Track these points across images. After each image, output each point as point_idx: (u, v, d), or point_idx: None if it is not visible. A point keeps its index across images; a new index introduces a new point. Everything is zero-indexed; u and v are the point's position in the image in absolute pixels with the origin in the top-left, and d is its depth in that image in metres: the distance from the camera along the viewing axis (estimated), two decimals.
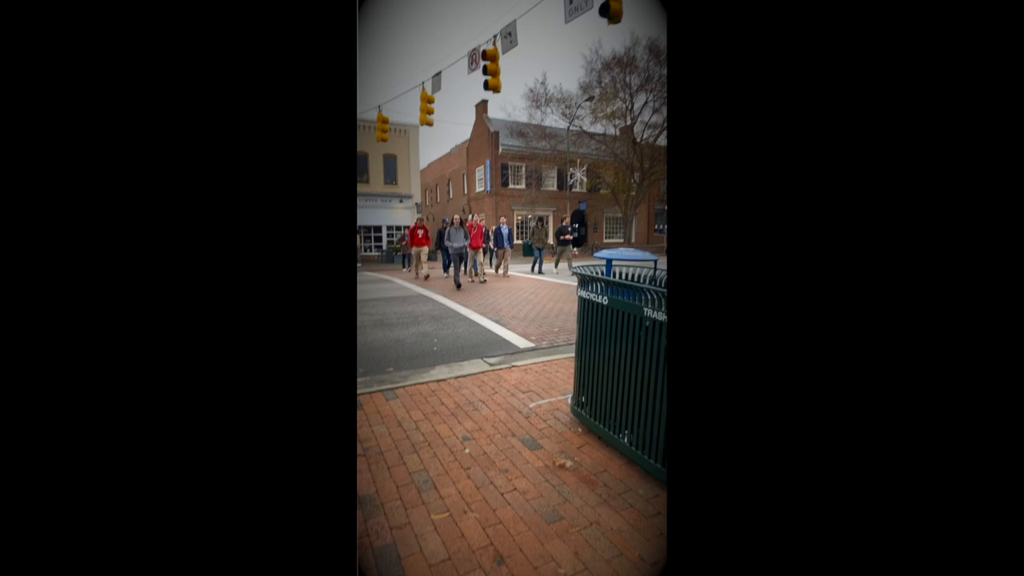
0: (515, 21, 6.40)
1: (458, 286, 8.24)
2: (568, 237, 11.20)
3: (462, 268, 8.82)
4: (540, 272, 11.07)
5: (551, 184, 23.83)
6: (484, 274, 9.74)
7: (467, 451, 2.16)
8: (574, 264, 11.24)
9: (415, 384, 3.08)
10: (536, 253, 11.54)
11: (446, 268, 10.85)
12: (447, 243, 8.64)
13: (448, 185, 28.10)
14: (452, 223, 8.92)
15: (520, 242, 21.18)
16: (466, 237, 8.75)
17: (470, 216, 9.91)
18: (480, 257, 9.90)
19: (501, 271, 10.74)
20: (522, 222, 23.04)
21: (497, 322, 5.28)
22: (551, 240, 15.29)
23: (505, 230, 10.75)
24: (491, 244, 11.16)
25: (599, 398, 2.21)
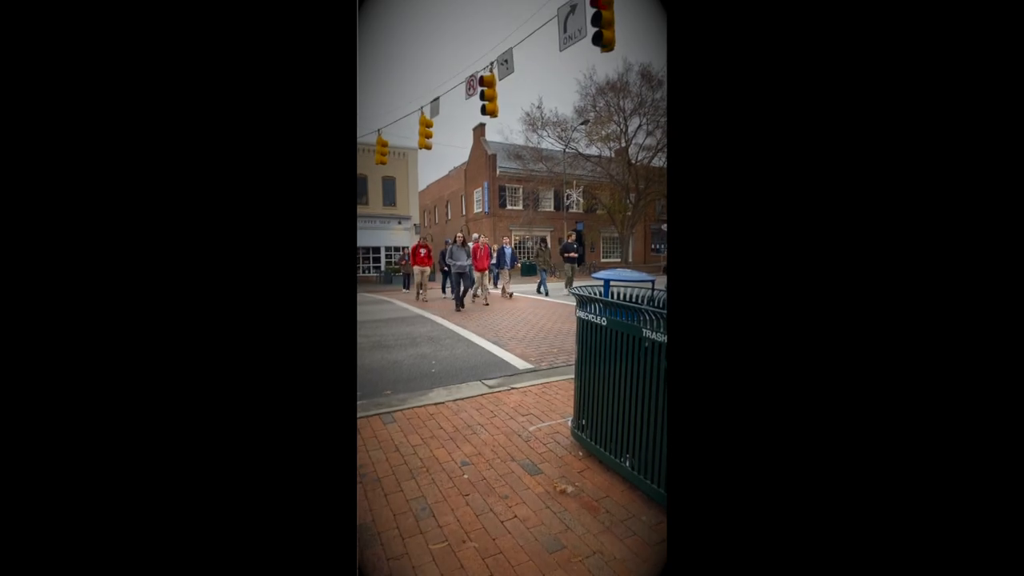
0: (511, 49, 6.57)
1: (459, 306, 7.96)
2: (574, 255, 10.84)
3: (464, 288, 8.37)
4: (545, 293, 10.71)
5: (548, 205, 24.07)
6: (487, 296, 9.30)
7: (466, 476, 2.11)
8: (573, 284, 11.00)
9: (413, 407, 3.03)
10: (541, 274, 11.21)
11: (444, 288, 10.49)
12: (449, 261, 8.29)
13: (447, 206, 28.35)
14: (455, 242, 8.53)
15: (520, 263, 21.15)
16: (468, 257, 8.36)
17: (475, 236, 9.49)
18: (485, 279, 9.45)
19: (503, 291, 10.48)
20: (519, 243, 23.17)
21: (496, 343, 5.24)
22: (552, 259, 14.31)
23: (508, 250, 10.45)
24: (493, 263, 10.88)
25: (600, 421, 2.18)
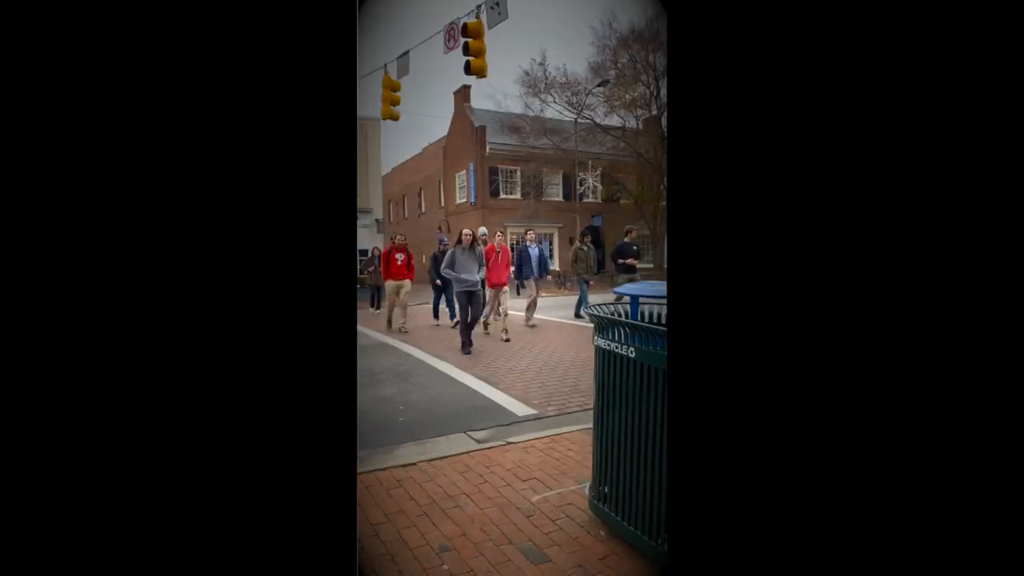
0: None
1: (468, 346, 6.70)
2: (631, 262, 9.27)
3: (474, 317, 6.88)
4: (580, 315, 9.39)
5: (555, 193, 24.30)
6: (507, 324, 7.75)
7: (445, 567, 2.09)
8: (589, 300, 9.56)
9: (373, 471, 3.02)
10: (582, 287, 9.97)
11: (436, 311, 9.33)
12: (448, 273, 6.93)
13: (419, 196, 28.58)
14: (461, 244, 6.88)
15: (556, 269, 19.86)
16: (481, 266, 6.94)
17: (482, 232, 8.10)
18: (504, 299, 7.83)
19: (527, 316, 8.95)
20: (516, 242, 23.33)
21: (486, 380, 5.25)
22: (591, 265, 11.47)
23: (535, 251, 9.00)
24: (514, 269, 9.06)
25: (628, 489, 2.16)
